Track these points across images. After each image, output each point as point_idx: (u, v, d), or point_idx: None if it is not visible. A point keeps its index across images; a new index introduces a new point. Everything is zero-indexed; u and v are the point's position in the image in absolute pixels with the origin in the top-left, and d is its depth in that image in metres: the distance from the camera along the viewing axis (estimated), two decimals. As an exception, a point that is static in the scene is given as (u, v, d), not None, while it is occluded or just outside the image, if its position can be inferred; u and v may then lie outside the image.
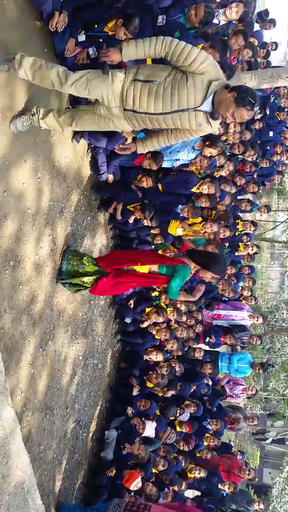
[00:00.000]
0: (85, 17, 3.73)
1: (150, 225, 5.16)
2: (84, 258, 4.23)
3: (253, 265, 7.97)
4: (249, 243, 7.15)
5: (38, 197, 3.70)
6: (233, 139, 5.63)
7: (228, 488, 6.00)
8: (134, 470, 4.73)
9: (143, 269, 4.18)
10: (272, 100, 7.43)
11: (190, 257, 4.11)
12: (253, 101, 2.81)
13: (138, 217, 5.04)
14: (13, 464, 3.15)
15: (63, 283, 4.19)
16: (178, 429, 5.86)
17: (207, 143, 4.84)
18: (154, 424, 5.27)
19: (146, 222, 5.12)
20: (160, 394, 5.94)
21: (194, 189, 5.22)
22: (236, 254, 6.99)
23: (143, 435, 5.11)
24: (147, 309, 5.83)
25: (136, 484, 4.59)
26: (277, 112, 7.70)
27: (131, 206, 5.03)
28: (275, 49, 7.79)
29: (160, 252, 5.33)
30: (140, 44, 2.87)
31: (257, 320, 7.23)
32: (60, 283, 4.18)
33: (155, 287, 5.87)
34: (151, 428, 5.19)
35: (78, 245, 4.68)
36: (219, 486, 6.08)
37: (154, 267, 4.21)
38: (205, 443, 6.30)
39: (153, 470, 5.11)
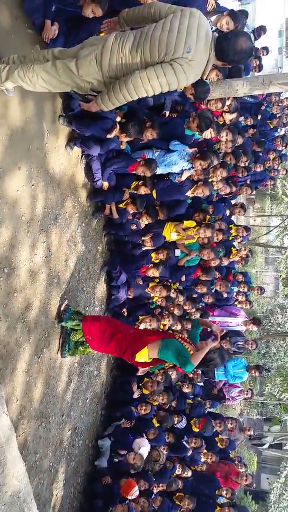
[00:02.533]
0: (80, 31, 3.73)
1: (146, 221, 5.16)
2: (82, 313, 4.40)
3: (246, 271, 8.00)
4: (242, 246, 7.19)
5: (33, 204, 3.71)
6: (225, 147, 5.68)
7: (226, 494, 5.97)
8: (131, 479, 4.69)
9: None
10: (264, 108, 7.52)
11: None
12: None
13: (132, 211, 5.03)
14: (9, 473, 3.12)
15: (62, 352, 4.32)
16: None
17: (197, 155, 4.88)
18: (149, 447, 5.19)
19: (142, 220, 5.11)
20: (155, 404, 5.91)
21: (188, 194, 5.26)
22: (230, 260, 7.01)
23: (138, 452, 5.03)
24: (141, 317, 5.81)
25: (133, 493, 4.56)
26: (269, 121, 7.80)
27: (123, 204, 5.03)
28: (266, 54, 7.90)
29: None
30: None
31: (251, 328, 7.25)
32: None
33: (151, 295, 5.88)
34: (147, 446, 5.12)
35: (72, 252, 4.68)
36: (216, 492, 6.05)
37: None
38: (203, 459, 6.20)
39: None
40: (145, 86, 2.69)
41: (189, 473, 5.84)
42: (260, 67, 7.09)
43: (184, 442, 5.91)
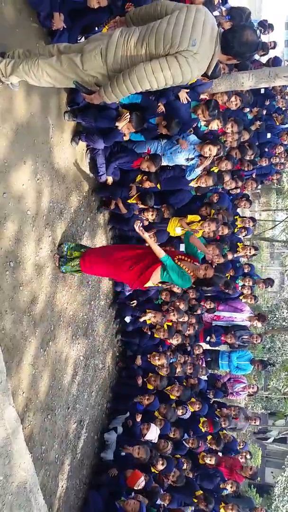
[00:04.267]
0: (84, 21, 3.75)
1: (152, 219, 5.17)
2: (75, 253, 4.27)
3: (253, 264, 8.01)
4: (247, 244, 7.21)
5: (38, 198, 3.72)
6: (231, 140, 5.65)
7: (231, 487, 6.00)
8: (137, 470, 4.73)
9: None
10: (269, 102, 7.46)
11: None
12: None
13: (141, 207, 5.04)
14: (15, 464, 3.17)
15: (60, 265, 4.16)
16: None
17: (207, 141, 4.86)
18: (158, 431, 5.25)
19: (146, 216, 5.11)
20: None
21: (192, 184, 5.23)
22: (235, 255, 7.01)
23: (145, 438, 5.10)
24: (148, 311, 5.85)
25: (139, 484, 4.60)
26: (275, 114, 7.73)
27: (131, 199, 5.04)
28: (274, 48, 7.85)
29: None
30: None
31: (256, 324, 7.24)
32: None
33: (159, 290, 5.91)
34: (155, 432, 5.19)
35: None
36: (221, 485, 6.08)
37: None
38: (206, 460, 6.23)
39: (152, 470, 5.11)
40: (149, 78, 2.67)
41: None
42: (276, 60, 7.11)
43: (183, 442, 5.96)
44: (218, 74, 4.34)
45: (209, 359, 6.87)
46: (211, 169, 5.32)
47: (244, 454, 6.68)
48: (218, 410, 6.85)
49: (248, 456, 6.62)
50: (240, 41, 2.64)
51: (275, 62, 7.08)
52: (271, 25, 7.59)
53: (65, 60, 2.86)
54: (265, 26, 7.42)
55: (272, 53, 7.74)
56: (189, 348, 6.87)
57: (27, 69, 2.91)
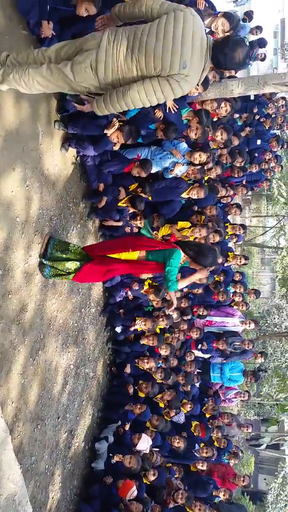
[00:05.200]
0: (73, 30, 3.74)
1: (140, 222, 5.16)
2: (70, 245, 4.09)
3: (243, 271, 8.04)
4: (238, 254, 7.27)
5: (27, 205, 3.69)
6: (219, 144, 5.69)
7: (223, 495, 5.95)
8: (128, 480, 4.67)
9: (131, 255, 3.92)
10: (257, 109, 7.55)
11: (180, 249, 3.81)
12: None
13: (131, 211, 5.02)
14: (4, 476, 3.10)
15: (42, 265, 3.93)
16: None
17: (197, 148, 4.89)
18: (150, 441, 5.20)
19: (135, 223, 5.10)
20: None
21: (184, 195, 5.26)
22: (225, 264, 7.03)
23: (137, 448, 5.04)
24: (137, 318, 5.81)
25: (131, 493, 4.54)
26: (264, 119, 7.81)
27: (122, 202, 5.02)
28: (264, 60, 8.03)
29: None
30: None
31: (249, 326, 7.25)
32: (38, 267, 3.94)
33: (149, 300, 5.87)
34: (147, 442, 5.13)
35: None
36: (213, 493, 6.03)
37: (142, 254, 3.93)
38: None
39: (144, 481, 5.04)
40: (142, 99, 2.73)
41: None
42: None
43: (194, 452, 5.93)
44: (208, 85, 4.42)
45: (199, 370, 6.83)
46: (204, 179, 5.37)
47: (233, 455, 6.67)
48: (209, 421, 6.79)
49: (236, 461, 6.59)
50: (232, 61, 2.71)
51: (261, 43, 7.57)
52: (260, 27, 7.96)
53: (55, 71, 2.84)
54: (251, 16, 7.96)
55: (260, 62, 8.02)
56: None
57: (18, 78, 2.89)
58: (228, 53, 2.68)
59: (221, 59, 2.69)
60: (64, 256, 3.98)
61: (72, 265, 3.98)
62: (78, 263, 3.99)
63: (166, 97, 2.74)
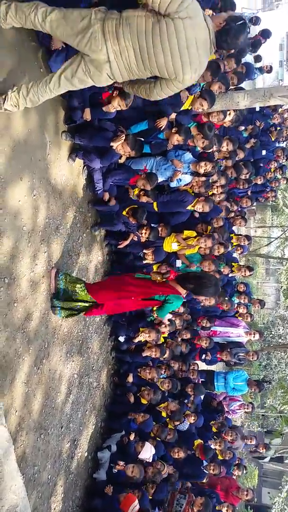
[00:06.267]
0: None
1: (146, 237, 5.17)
2: (77, 286, 4.17)
3: (247, 282, 8.03)
4: (242, 265, 7.26)
5: (34, 214, 3.72)
6: (225, 160, 5.72)
7: (227, 510, 5.87)
8: (131, 493, 4.62)
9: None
10: (262, 120, 7.57)
11: (180, 284, 3.92)
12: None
13: (133, 222, 5.05)
14: (6, 487, 3.08)
15: (53, 308, 4.09)
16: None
17: (202, 158, 4.92)
18: (153, 450, 5.16)
19: (142, 234, 5.11)
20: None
21: (189, 208, 5.28)
22: (230, 275, 7.02)
23: (140, 456, 5.00)
24: (141, 329, 5.80)
25: (133, 508, 4.49)
26: (271, 128, 7.82)
27: (124, 212, 5.05)
28: (270, 72, 8.06)
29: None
30: None
31: (253, 337, 7.21)
32: (51, 308, 4.09)
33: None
34: (150, 451, 5.09)
35: (74, 262, 4.68)
36: (217, 507, 5.96)
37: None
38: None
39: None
40: (160, 96, 3.11)
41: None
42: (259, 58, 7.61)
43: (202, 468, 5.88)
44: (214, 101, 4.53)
45: (203, 380, 6.78)
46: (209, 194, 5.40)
47: (236, 469, 6.59)
48: (214, 436, 6.71)
49: (239, 473, 6.51)
50: (234, 45, 2.95)
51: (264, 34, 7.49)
52: (268, 31, 7.72)
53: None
54: (259, 20, 7.94)
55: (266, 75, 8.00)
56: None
57: (30, 103, 3.04)
58: (231, 42, 2.88)
59: (225, 46, 2.92)
60: (73, 297, 4.16)
61: (81, 304, 4.19)
62: (87, 304, 4.20)
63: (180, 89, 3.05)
